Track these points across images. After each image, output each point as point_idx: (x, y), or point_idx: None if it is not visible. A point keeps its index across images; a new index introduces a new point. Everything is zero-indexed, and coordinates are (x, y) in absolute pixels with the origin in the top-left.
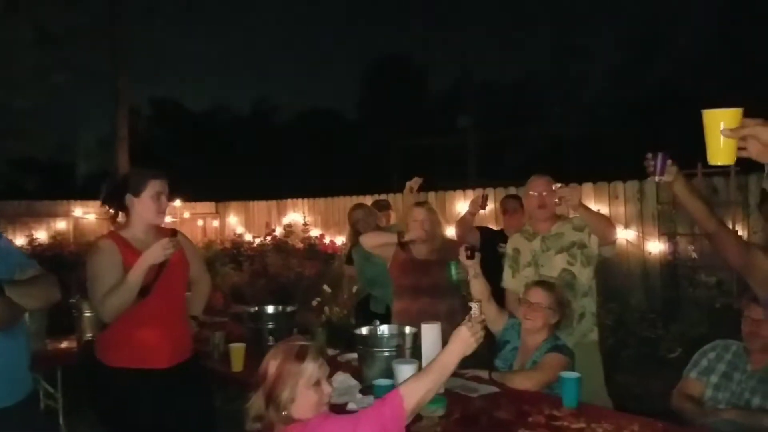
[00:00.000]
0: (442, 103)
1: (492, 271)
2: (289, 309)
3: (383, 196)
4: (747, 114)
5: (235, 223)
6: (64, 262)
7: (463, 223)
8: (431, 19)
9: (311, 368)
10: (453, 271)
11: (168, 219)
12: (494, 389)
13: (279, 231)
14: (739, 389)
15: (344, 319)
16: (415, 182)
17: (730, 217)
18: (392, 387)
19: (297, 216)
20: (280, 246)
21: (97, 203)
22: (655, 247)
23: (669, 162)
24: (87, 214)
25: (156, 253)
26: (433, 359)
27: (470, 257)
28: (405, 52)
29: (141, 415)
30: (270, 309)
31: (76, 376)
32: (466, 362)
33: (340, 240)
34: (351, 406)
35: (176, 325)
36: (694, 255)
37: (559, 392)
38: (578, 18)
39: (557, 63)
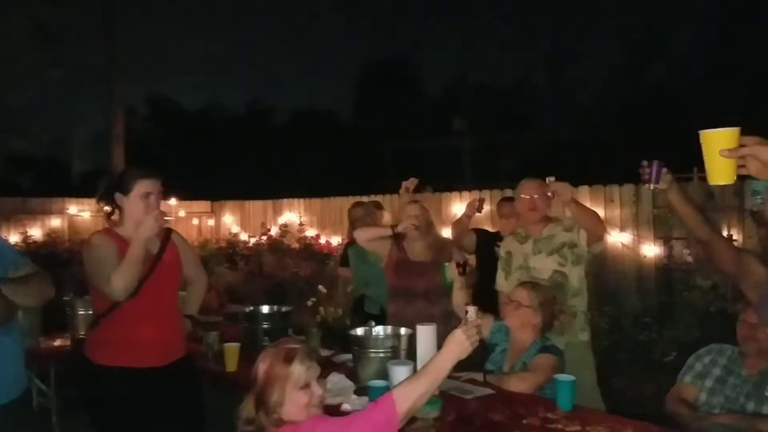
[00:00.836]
0: (438, 106)
1: (489, 272)
2: (284, 309)
3: (379, 197)
4: (744, 131)
5: (231, 222)
6: (58, 260)
7: (459, 225)
8: (428, 22)
9: (299, 371)
10: (447, 273)
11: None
12: (489, 391)
13: (274, 231)
14: (734, 394)
15: (339, 319)
16: (411, 183)
17: (725, 222)
18: (387, 388)
19: (293, 216)
20: (276, 246)
21: (92, 201)
22: (651, 250)
23: (664, 170)
24: (82, 211)
25: (149, 225)
26: (428, 362)
27: (461, 273)
28: (401, 53)
29: (129, 414)
30: (265, 309)
31: (69, 375)
32: (459, 366)
33: (336, 240)
34: (345, 407)
35: (167, 324)
36: (690, 259)
37: (551, 394)
38: (575, 22)
39: (553, 66)
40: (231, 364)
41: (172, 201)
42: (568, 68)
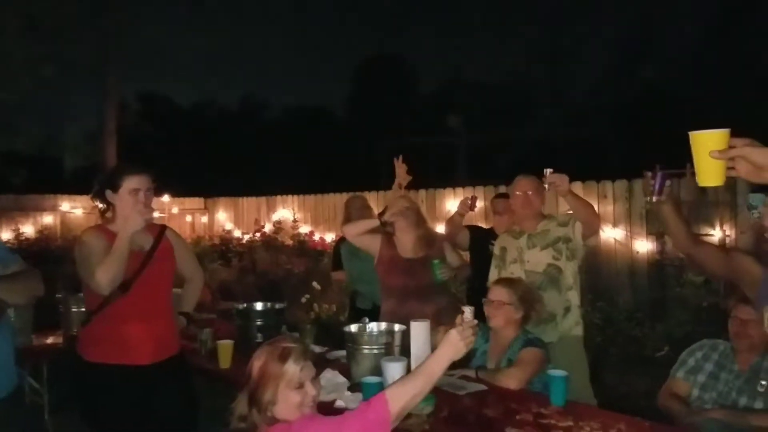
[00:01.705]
0: (432, 103)
1: (482, 269)
2: (278, 306)
3: (372, 194)
4: (735, 132)
5: (224, 219)
6: (51, 257)
7: (452, 222)
8: (422, 18)
9: (293, 370)
10: (437, 271)
11: (156, 215)
12: (482, 387)
13: (268, 227)
14: (726, 389)
15: (333, 316)
16: (403, 178)
17: (718, 217)
18: (381, 385)
19: (286, 212)
20: (270, 242)
21: (85, 198)
22: (643, 246)
23: (667, 182)
24: (74, 208)
25: (134, 220)
26: (422, 363)
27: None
28: (395, 50)
29: (121, 411)
30: (259, 306)
31: (62, 372)
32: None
33: (330, 237)
34: (339, 403)
35: (159, 321)
36: (682, 254)
37: (540, 387)
38: (568, 19)
39: (547, 63)
40: (224, 361)
41: (165, 198)
42: (562, 65)
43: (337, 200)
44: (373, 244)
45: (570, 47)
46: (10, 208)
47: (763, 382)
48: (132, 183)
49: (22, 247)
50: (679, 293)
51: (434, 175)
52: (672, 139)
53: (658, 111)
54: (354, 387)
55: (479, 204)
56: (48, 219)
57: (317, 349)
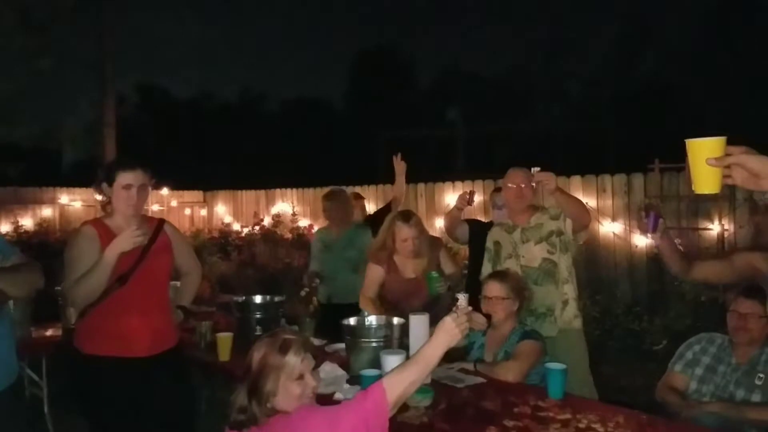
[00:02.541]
0: (431, 96)
1: (481, 263)
2: (277, 299)
3: (371, 187)
4: (731, 140)
5: (223, 212)
6: (50, 250)
7: (450, 217)
8: (421, 11)
9: (293, 362)
10: (434, 284)
11: (155, 207)
12: (480, 380)
13: (267, 221)
14: (724, 382)
15: None
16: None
17: (716, 212)
18: (380, 377)
19: (285, 206)
20: (269, 236)
21: (84, 191)
22: (642, 240)
23: (660, 220)
24: (73, 201)
25: (123, 242)
26: (417, 351)
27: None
28: (394, 43)
29: (118, 404)
30: (258, 299)
31: (61, 365)
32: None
33: None
34: (338, 395)
35: (156, 314)
36: (680, 248)
37: (537, 380)
38: (568, 12)
39: (547, 56)
40: (224, 353)
41: (164, 191)
42: (561, 58)
43: None
44: (379, 278)
45: (569, 40)
46: (9, 200)
47: (761, 375)
48: (125, 179)
49: (21, 240)
50: (678, 287)
51: (433, 168)
52: (670, 133)
53: (658, 105)
54: (353, 379)
55: (478, 198)
56: (47, 212)
57: (316, 342)
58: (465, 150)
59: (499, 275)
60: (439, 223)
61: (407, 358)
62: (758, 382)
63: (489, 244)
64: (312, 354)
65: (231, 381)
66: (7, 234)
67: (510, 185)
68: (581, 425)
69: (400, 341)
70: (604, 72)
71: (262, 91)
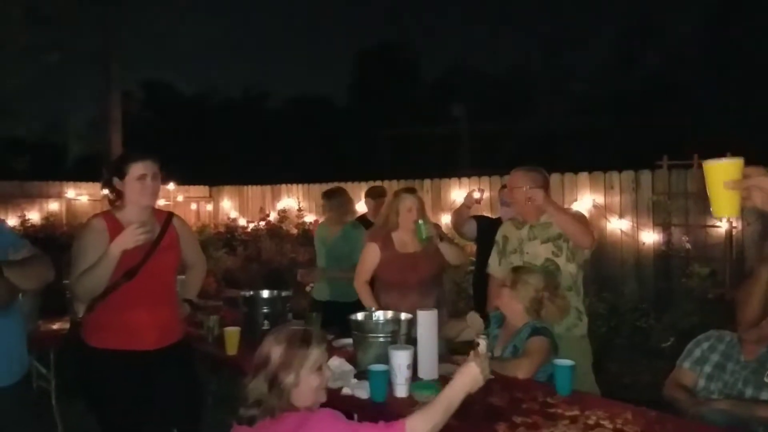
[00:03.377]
0: (436, 93)
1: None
2: (284, 294)
3: (377, 183)
4: (748, 161)
5: (229, 207)
6: (56, 244)
7: (458, 214)
8: (426, 7)
9: (316, 353)
10: (422, 229)
11: (161, 202)
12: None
13: (273, 216)
14: (732, 379)
15: None
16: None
17: None
18: (387, 372)
19: (291, 201)
20: (274, 231)
21: (90, 185)
22: (649, 237)
23: None
24: (80, 195)
25: (126, 239)
26: (440, 394)
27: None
28: (399, 40)
29: (125, 397)
30: (265, 293)
31: (69, 358)
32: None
33: None
34: (345, 390)
35: (163, 308)
36: (688, 245)
37: (544, 378)
38: (573, 8)
39: (552, 53)
40: (231, 347)
41: (171, 186)
42: (566, 55)
43: None
44: (374, 258)
45: (574, 37)
46: (16, 194)
47: None
48: (138, 169)
49: (28, 234)
50: (685, 284)
51: (438, 164)
52: (679, 130)
53: (665, 101)
54: (360, 375)
55: (485, 194)
56: (54, 206)
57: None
58: (470, 147)
59: (524, 269)
60: (445, 219)
61: (415, 353)
62: (767, 380)
63: (498, 237)
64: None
65: (238, 374)
66: (14, 228)
67: (517, 189)
68: (590, 422)
69: (408, 336)
70: (610, 68)
71: (267, 87)
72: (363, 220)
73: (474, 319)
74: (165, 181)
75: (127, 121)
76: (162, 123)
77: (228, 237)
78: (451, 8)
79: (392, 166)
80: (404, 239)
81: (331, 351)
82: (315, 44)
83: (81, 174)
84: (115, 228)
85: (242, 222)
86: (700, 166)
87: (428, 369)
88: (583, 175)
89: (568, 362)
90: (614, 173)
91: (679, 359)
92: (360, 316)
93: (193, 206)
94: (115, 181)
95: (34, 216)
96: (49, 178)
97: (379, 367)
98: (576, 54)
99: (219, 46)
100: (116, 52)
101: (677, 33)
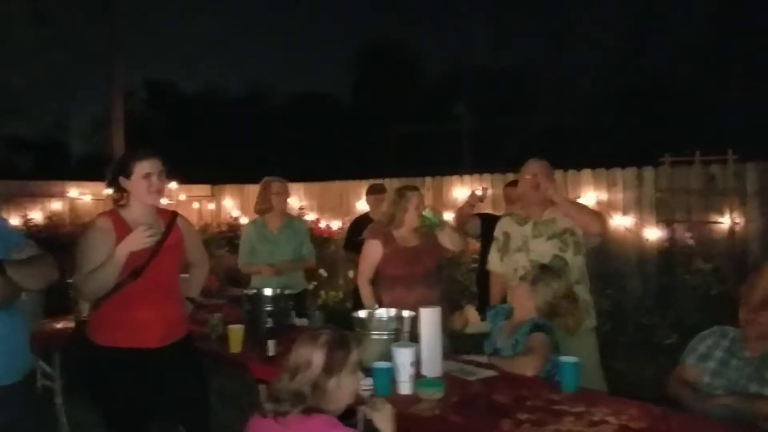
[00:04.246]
0: (439, 90)
1: None
2: (287, 292)
3: (379, 182)
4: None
5: (231, 206)
6: (59, 243)
7: (462, 213)
8: (429, 5)
9: (356, 356)
10: (429, 216)
11: (164, 201)
12: (492, 373)
13: None
14: (736, 376)
15: (340, 303)
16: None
17: (727, 205)
18: (390, 370)
19: (293, 200)
20: None
21: (93, 184)
22: (653, 233)
23: None
24: (83, 195)
25: (133, 242)
26: None
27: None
28: (401, 37)
29: (130, 395)
30: (268, 292)
31: (73, 356)
32: (463, 350)
33: (336, 224)
34: None
35: (168, 306)
36: (691, 242)
37: (546, 374)
38: (576, 5)
39: (555, 49)
40: (235, 345)
41: (173, 185)
42: (569, 51)
43: (342, 188)
44: (377, 254)
45: (577, 33)
46: (19, 193)
47: None
48: (144, 168)
49: (31, 233)
50: (689, 281)
51: (440, 162)
52: (680, 126)
53: (668, 98)
54: (364, 372)
55: (488, 191)
56: (57, 205)
57: None
58: (472, 144)
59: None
60: (447, 217)
61: (417, 351)
62: None
63: (498, 233)
64: None
65: (241, 372)
66: (16, 227)
67: (527, 176)
68: (595, 418)
69: (411, 334)
70: (613, 65)
71: (270, 85)
72: (365, 218)
73: (470, 312)
74: (167, 180)
75: (129, 120)
76: (164, 121)
77: (230, 236)
78: (453, 5)
79: (394, 163)
80: (404, 234)
81: None
82: (317, 42)
83: (84, 173)
84: (121, 227)
85: (244, 220)
86: (703, 163)
87: (432, 366)
88: (586, 172)
89: (572, 359)
90: (617, 170)
91: (683, 355)
92: (362, 313)
93: (195, 205)
94: (121, 179)
95: (37, 215)
96: (52, 177)
97: (383, 364)
98: (579, 51)
99: (221, 45)
100: (119, 51)
101: (680, 30)
